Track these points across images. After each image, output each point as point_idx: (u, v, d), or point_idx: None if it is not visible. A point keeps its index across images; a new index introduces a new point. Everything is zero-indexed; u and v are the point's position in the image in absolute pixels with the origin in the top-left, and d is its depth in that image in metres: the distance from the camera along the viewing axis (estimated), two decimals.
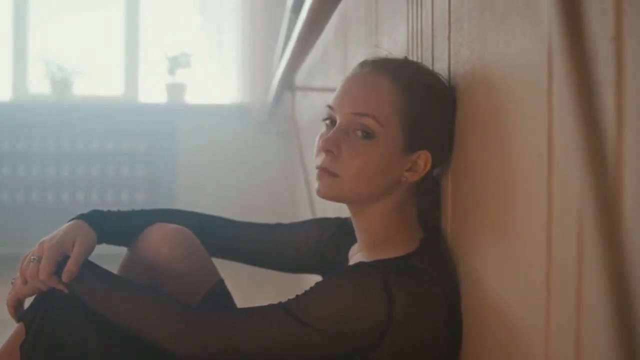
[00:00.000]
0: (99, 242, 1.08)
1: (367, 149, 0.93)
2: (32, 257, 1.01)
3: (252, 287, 2.98)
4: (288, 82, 2.34)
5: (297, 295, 0.90)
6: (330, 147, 0.94)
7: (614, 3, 0.52)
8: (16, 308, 1.04)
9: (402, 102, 0.93)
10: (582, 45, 0.41)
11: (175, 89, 4.26)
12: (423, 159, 0.95)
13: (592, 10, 0.55)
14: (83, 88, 4.32)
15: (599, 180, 0.52)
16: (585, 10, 0.55)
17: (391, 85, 0.94)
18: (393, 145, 0.93)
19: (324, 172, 0.95)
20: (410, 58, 1.11)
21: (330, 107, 0.99)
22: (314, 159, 0.99)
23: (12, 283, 1.05)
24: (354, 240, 1.08)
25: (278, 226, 1.24)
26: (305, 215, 2.75)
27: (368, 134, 0.93)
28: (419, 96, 0.93)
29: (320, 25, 1.41)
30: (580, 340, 0.57)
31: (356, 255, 1.04)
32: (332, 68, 2.21)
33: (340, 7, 1.96)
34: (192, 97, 4.32)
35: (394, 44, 1.27)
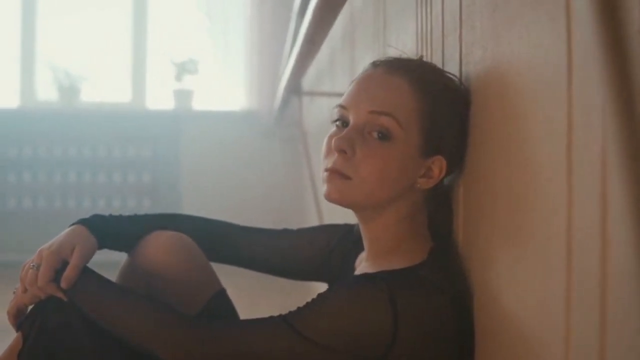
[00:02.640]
0: (100, 247, 1.06)
1: (384, 150, 0.88)
2: (31, 265, 1.00)
3: (258, 294, 2.95)
4: (295, 87, 2.31)
5: (299, 308, 0.87)
6: (344, 146, 0.88)
7: None
8: (17, 317, 1.02)
9: (420, 103, 0.89)
10: (617, 40, 0.37)
11: (183, 95, 4.24)
12: (438, 165, 0.90)
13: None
14: (90, 95, 4.31)
15: (627, 184, 0.48)
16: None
17: (409, 85, 0.89)
18: (410, 149, 0.89)
19: (335, 174, 0.89)
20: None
21: (342, 106, 0.93)
22: (323, 161, 0.93)
23: (14, 292, 1.03)
24: (361, 248, 1.04)
25: (284, 232, 1.20)
26: (312, 221, 2.72)
27: (385, 135, 0.88)
28: (436, 98, 0.89)
29: (326, 25, 1.37)
30: (604, 357, 0.53)
31: (362, 265, 1.00)
32: (339, 72, 2.18)
33: (347, 9, 1.93)
34: (199, 104, 4.30)
35: (402, 45, 1.24)
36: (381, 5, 1.44)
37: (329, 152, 0.92)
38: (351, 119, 0.91)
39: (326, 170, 0.91)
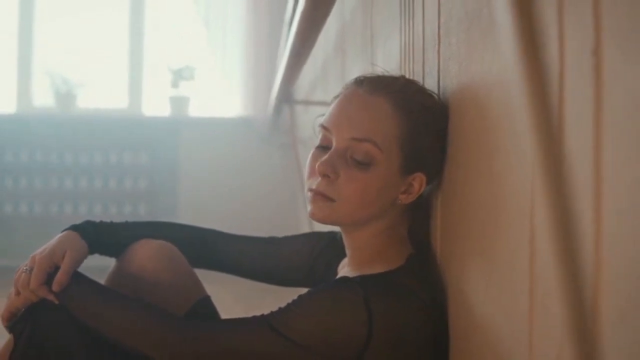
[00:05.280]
0: (91, 252, 1.10)
1: (365, 174, 0.91)
2: (24, 269, 1.03)
3: (254, 297, 2.97)
4: (286, 96, 2.34)
5: (279, 308, 0.90)
6: (327, 171, 0.91)
7: (592, 15, 0.50)
8: (9, 320, 1.05)
9: (401, 125, 0.91)
10: (538, 59, 0.40)
11: (179, 102, 4.27)
12: (418, 181, 0.93)
13: (570, 23, 0.54)
14: (87, 101, 4.34)
15: (556, 204, 0.50)
16: (563, 24, 0.54)
17: (391, 108, 0.91)
18: (391, 170, 0.92)
19: (319, 195, 0.93)
20: (403, 72, 1.10)
21: (325, 128, 0.95)
22: (307, 181, 0.96)
23: (8, 297, 1.06)
24: (344, 255, 1.07)
25: (271, 240, 1.23)
26: (305, 226, 2.74)
27: (366, 160, 0.91)
28: (418, 120, 0.91)
29: (311, 38, 1.40)
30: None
31: (343, 270, 1.04)
32: (331, 81, 2.21)
33: (338, 20, 1.96)
34: (195, 110, 4.33)
35: (388, 57, 1.26)
36: (368, 19, 1.46)
37: (312, 173, 0.95)
38: (334, 142, 0.94)
39: (310, 190, 0.94)
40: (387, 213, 0.95)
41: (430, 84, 0.98)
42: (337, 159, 0.92)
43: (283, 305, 0.91)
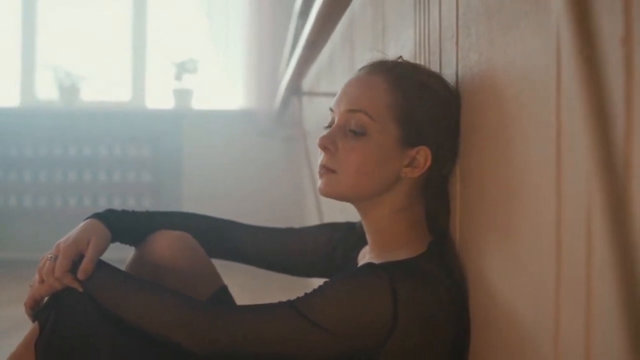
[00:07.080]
0: (113, 240, 1.11)
1: (362, 144, 0.96)
2: (49, 256, 1.04)
3: (261, 290, 2.99)
4: (295, 88, 2.34)
5: (306, 294, 0.92)
6: (327, 144, 0.97)
7: (623, 4, 0.52)
8: (33, 308, 1.05)
9: (394, 96, 0.96)
10: (592, 47, 0.41)
11: (182, 95, 4.28)
12: (422, 155, 0.96)
13: (600, 12, 0.55)
14: (91, 94, 4.35)
15: (608, 184, 0.52)
16: (593, 12, 0.55)
17: (383, 81, 0.97)
18: (387, 139, 0.95)
19: (323, 169, 0.98)
20: (418, 62, 1.11)
21: (331, 109, 1.02)
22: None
23: (30, 286, 1.07)
24: (362, 245, 1.09)
25: (288, 230, 1.25)
26: (312, 218, 2.76)
27: (361, 130, 0.96)
28: (411, 91, 0.96)
29: (328, 31, 1.41)
30: (590, 346, 0.57)
31: (366, 257, 1.05)
32: (338, 73, 2.22)
33: (346, 12, 1.96)
34: (198, 103, 4.34)
35: (401, 49, 1.28)
36: (380, 10, 1.47)
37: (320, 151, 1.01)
38: (335, 120, 1.00)
39: (318, 167, 1.00)
40: (399, 189, 0.98)
41: (448, 74, 0.99)
42: (337, 133, 0.98)
43: (295, 295, 0.92)
